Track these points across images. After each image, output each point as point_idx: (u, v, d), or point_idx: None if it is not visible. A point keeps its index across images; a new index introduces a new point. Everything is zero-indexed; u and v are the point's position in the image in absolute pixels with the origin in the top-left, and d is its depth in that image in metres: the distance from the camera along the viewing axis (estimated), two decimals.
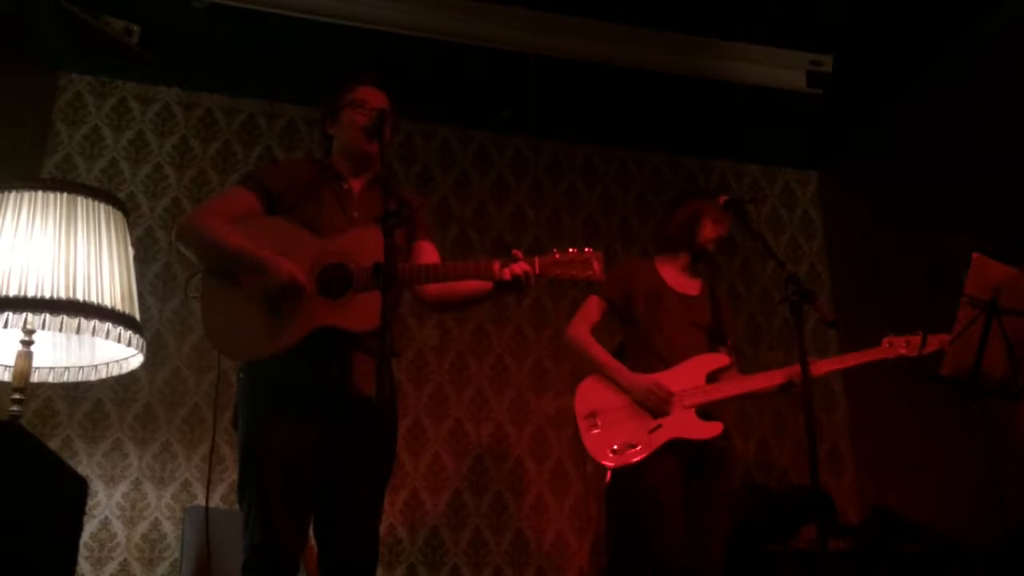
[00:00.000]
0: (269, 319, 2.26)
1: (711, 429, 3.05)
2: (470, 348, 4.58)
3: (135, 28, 4.08)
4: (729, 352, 3.24)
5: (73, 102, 4.43)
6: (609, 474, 3.12)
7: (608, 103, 4.74)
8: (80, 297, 2.43)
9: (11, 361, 2.47)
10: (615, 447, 3.02)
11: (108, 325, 2.46)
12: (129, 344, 2.54)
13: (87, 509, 3.57)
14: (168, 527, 3.97)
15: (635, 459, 3.00)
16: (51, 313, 2.38)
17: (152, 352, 3.86)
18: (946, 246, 3.79)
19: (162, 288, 4.26)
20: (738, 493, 4.51)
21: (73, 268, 2.45)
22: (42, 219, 2.47)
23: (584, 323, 3.25)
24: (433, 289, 2.50)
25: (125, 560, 3.90)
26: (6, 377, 2.56)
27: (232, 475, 3.98)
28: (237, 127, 4.63)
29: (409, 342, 4.38)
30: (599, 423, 3.08)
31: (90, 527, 3.87)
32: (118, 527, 3.93)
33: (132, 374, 3.15)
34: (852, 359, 3.16)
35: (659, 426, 3.03)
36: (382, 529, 3.20)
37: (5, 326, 2.39)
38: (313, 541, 2.36)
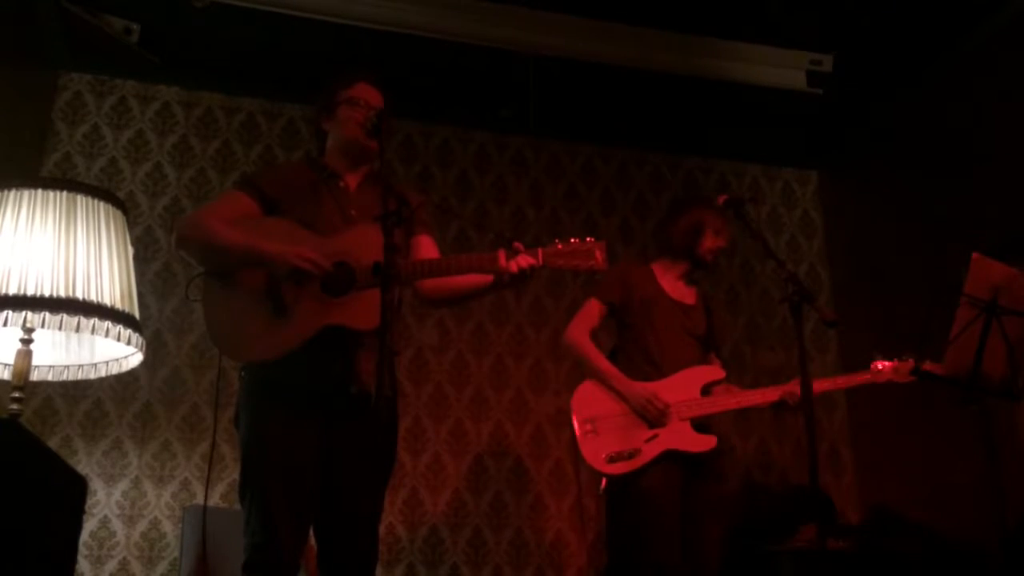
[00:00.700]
0: (273, 319, 2.26)
1: (705, 443, 3.08)
2: (470, 347, 4.58)
3: (135, 27, 4.09)
4: (723, 365, 3.29)
5: (73, 101, 4.43)
6: (604, 480, 3.14)
7: (608, 103, 4.74)
8: (80, 296, 2.43)
9: (11, 360, 2.46)
10: (611, 454, 3.05)
11: (108, 324, 2.46)
12: (129, 343, 2.54)
13: (86, 508, 3.57)
14: (167, 526, 3.97)
15: (631, 468, 3.03)
16: (51, 312, 2.37)
17: (152, 351, 3.86)
18: (945, 246, 3.80)
19: (162, 287, 4.26)
20: (737, 494, 4.52)
21: (73, 267, 2.44)
22: (42, 218, 2.47)
23: (583, 326, 3.26)
24: (432, 283, 2.49)
25: (124, 559, 3.90)
26: (5, 376, 2.56)
27: (232, 474, 3.98)
28: (237, 126, 4.63)
29: (408, 341, 4.39)
30: (596, 429, 3.09)
31: (89, 526, 3.87)
32: (117, 526, 3.93)
33: (132, 373, 3.15)
34: (843, 381, 3.28)
35: (655, 436, 3.06)
36: (382, 528, 3.20)
37: (5, 324, 2.38)
38: (313, 541, 2.36)
